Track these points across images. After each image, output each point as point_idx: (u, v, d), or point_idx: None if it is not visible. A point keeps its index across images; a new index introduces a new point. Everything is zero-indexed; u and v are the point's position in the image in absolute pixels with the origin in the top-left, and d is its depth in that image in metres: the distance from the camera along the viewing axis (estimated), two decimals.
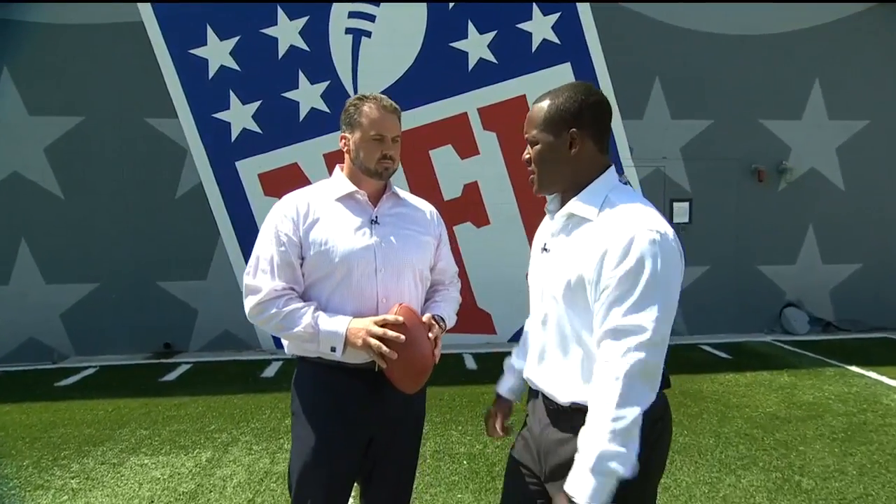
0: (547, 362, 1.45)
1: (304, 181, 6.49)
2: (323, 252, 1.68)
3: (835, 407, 4.36)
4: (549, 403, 1.46)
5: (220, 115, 6.47)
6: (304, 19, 6.46)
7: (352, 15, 6.52)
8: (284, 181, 6.48)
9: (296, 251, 1.69)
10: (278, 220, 1.72)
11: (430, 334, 1.73)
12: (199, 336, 6.49)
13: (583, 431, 1.25)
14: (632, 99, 6.73)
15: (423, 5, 6.53)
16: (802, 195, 6.99)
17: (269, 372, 5.60)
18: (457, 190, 6.68)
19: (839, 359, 5.69)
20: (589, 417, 1.24)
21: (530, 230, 6.68)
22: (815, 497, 3.04)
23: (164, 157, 6.41)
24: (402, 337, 1.58)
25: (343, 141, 1.78)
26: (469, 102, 6.66)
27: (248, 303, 1.70)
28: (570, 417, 1.37)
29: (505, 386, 1.73)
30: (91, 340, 6.32)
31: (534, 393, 1.55)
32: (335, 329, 1.63)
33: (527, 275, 1.61)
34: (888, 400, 4.49)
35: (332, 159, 6.58)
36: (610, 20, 6.66)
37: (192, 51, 6.40)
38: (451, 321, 1.90)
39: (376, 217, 1.77)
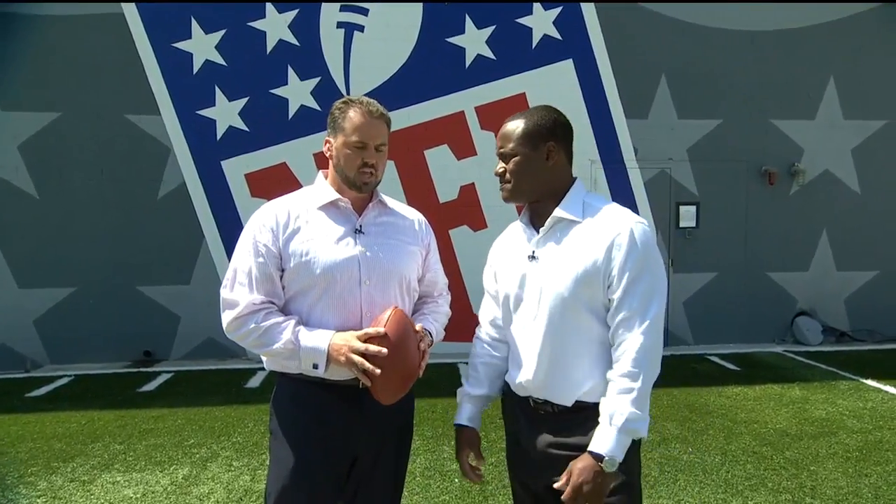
0: (545, 365, 1.55)
1: (292, 182, 6.50)
2: (304, 263, 1.65)
3: (849, 423, 4.30)
4: (545, 407, 1.58)
5: (205, 112, 6.43)
6: (294, 12, 6.43)
7: (343, 8, 6.49)
8: (272, 182, 6.44)
9: (275, 262, 1.67)
10: (256, 230, 1.69)
11: (421, 345, 1.70)
12: (182, 343, 6.43)
13: (607, 399, 1.47)
14: (636, 97, 6.70)
15: None
16: (815, 198, 6.94)
17: (254, 382, 5.54)
18: (453, 192, 6.64)
19: (854, 371, 5.64)
20: (612, 387, 1.47)
21: None
22: None
23: (145, 156, 6.36)
24: (385, 351, 1.54)
25: (327, 146, 1.76)
26: (466, 100, 6.62)
27: (226, 317, 1.67)
28: (572, 418, 1.53)
29: (464, 415, 1.76)
30: (66, 348, 6.26)
31: (519, 403, 1.65)
32: (316, 345, 1.59)
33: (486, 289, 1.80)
34: None
35: (323, 160, 6.49)
36: (614, 15, 6.63)
37: (175, 44, 6.37)
38: (438, 336, 1.88)
39: (361, 226, 1.74)
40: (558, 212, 1.57)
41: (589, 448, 1.44)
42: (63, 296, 6.30)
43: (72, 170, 6.27)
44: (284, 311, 1.71)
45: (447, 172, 6.62)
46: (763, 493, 3.26)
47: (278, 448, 1.70)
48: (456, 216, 6.59)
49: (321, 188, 1.77)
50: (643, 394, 1.45)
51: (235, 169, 6.45)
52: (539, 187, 1.61)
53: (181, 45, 6.39)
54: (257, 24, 6.43)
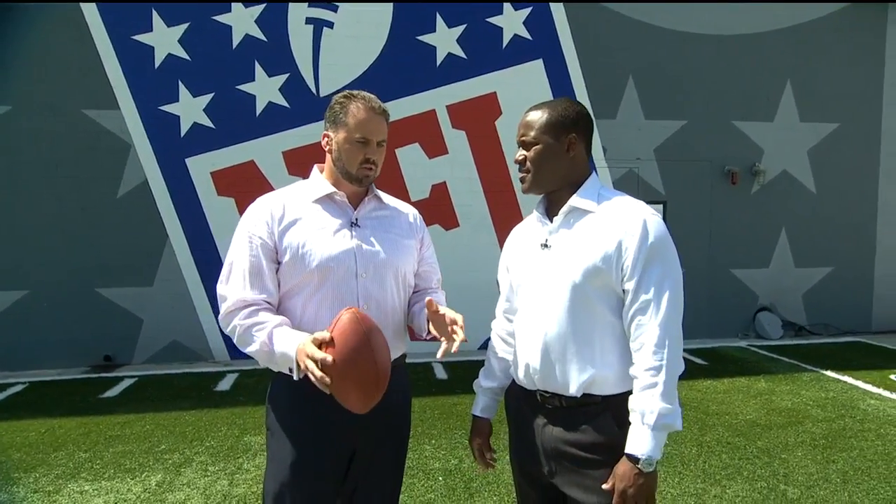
0: (555, 355, 1.56)
1: (261, 180, 6.38)
2: (299, 256, 1.64)
3: (814, 413, 4.48)
4: (553, 401, 1.58)
5: (167, 108, 6.24)
6: (261, 7, 6.31)
7: (312, 4, 6.40)
8: (240, 180, 6.31)
9: (270, 255, 1.65)
10: (251, 223, 1.68)
11: (458, 323, 1.57)
12: (144, 347, 6.22)
13: (634, 398, 1.46)
14: (605, 98, 6.83)
15: None
16: (775, 198, 7.22)
17: (224, 385, 5.40)
18: (424, 191, 6.63)
19: (814, 363, 5.89)
20: (637, 384, 1.46)
21: (501, 233, 6.69)
22: None
23: (104, 152, 6.14)
24: (329, 358, 1.41)
25: (325, 139, 1.75)
26: (437, 99, 6.63)
27: (220, 312, 1.68)
28: (581, 412, 1.54)
29: (479, 406, 1.84)
30: (19, 354, 5.96)
31: (526, 398, 1.66)
32: (286, 350, 1.53)
33: (497, 281, 1.82)
34: (865, 405, 4.65)
35: (292, 157, 6.44)
36: (583, 17, 6.75)
37: (135, 37, 6.16)
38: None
39: (356, 219, 1.74)
40: (574, 200, 1.59)
41: (626, 451, 1.45)
42: (14, 299, 6.01)
43: (24, 167, 5.99)
44: (281, 306, 1.69)
45: (418, 171, 6.61)
46: (739, 482, 3.37)
47: (275, 445, 1.69)
48: (427, 215, 6.42)
49: (316, 182, 1.76)
50: (670, 386, 1.44)
51: (201, 167, 6.28)
52: (557, 178, 1.62)
53: (141, 37, 6.18)
54: (222, 19, 6.28)
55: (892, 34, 7.32)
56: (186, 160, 6.27)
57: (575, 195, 1.60)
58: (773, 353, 6.39)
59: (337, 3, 6.40)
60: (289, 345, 1.54)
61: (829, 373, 5.57)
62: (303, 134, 6.35)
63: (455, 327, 1.57)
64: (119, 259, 6.16)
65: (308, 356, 1.46)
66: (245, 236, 1.67)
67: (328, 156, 1.76)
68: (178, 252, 6.25)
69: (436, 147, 6.67)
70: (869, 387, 5.12)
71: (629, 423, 1.48)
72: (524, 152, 1.64)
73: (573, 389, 1.53)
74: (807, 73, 7.21)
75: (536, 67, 6.80)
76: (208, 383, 5.45)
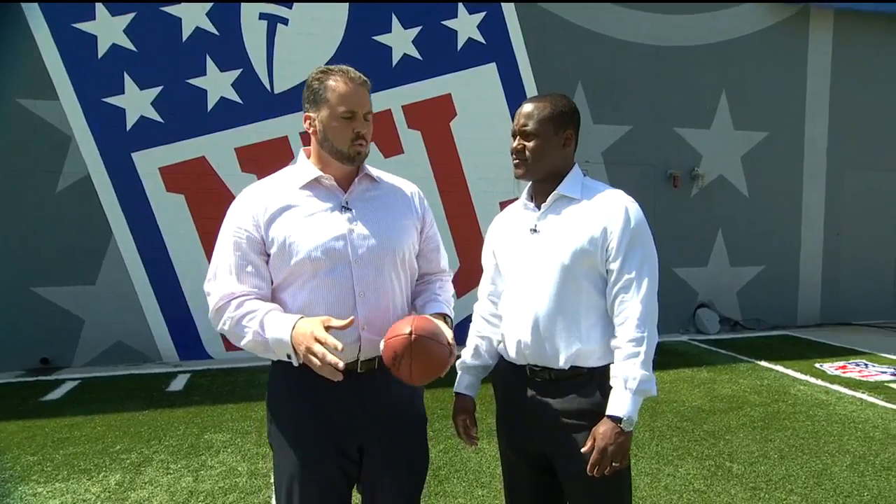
0: (545, 332, 1.67)
1: (212, 177, 6.27)
2: (289, 246, 1.57)
3: (751, 398, 4.84)
4: (543, 374, 1.70)
5: (111, 100, 6.04)
6: (212, 1, 6.19)
7: (266, 0, 6.35)
8: (190, 176, 6.18)
9: (257, 248, 1.60)
10: (236, 216, 1.63)
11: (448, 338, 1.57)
12: (86, 349, 5.97)
13: (617, 365, 1.61)
14: None
15: None
16: (712, 201, 7.70)
17: (177, 385, 5.27)
18: None
19: (749, 355, 6.32)
20: (620, 353, 1.60)
21: (456, 232, 6.83)
22: (745, 480, 3.37)
23: (41, 145, 5.87)
24: (339, 345, 1.39)
25: (308, 121, 1.64)
26: (393, 99, 6.70)
27: (209, 310, 1.63)
28: (569, 383, 1.67)
29: (462, 384, 1.89)
30: None
31: (516, 373, 1.75)
32: (280, 336, 1.48)
33: (482, 266, 1.92)
34: (795, 390, 5.06)
35: (245, 154, 6.35)
36: (534, 23, 7.00)
37: (77, 25, 5.93)
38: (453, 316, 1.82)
39: (347, 202, 1.65)
40: (561, 188, 1.72)
41: (607, 413, 1.58)
42: None
43: None
44: (273, 298, 1.63)
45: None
46: (690, 462, 3.62)
47: (279, 436, 1.64)
48: None
49: (303, 166, 1.68)
50: (649, 356, 1.60)
51: (148, 162, 6.10)
52: (549, 168, 1.73)
53: (83, 26, 5.96)
54: (171, 10, 6.14)
55: (813, 52, 7.96)
56: (133, 155, 6.08)
57: (562, 184, 1.72)
58: (713, 346, 6.81)
59: (292, 1, 6.38)
60: (282, 330, 1.49)
61: (762, 363, 6.01)
62: (256, 130, 6.29)
63: None
64: (58, 257, 5.89)
65: (318, 340, 1.42)
66: (231, 230, 1.61)
67: (313, 138, 1.66)
68: (124, 250, 6.05)
69: (391, 147, 6.74)
70: (798, 374, 5.56)
71: (603, 400, 1.61)
72: (523, 142, 1.72)
73: (562, 362, 1.66)
74: (740, 84, 7.74)
75: (490, 71, 6.99)
76: (159, 384, 5.30)
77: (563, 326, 1.66)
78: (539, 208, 1.75)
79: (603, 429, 1.56)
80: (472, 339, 1.92)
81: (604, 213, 1.66)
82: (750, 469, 3.51)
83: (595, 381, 1.66)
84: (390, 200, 1.73)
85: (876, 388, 5.10)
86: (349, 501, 1.69)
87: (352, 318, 1.49)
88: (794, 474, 3.45)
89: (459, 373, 1.91)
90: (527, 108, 1.73)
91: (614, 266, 1.63)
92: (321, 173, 1.65)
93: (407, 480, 1.71)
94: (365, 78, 1.65)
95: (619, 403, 1.57)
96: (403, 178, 1.86)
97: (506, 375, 1.80)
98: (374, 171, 1.74)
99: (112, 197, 6.03)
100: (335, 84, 1.60)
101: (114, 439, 3.97)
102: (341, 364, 1.39)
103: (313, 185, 1.65)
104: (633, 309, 1.60)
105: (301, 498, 1.59)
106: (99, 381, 5.43)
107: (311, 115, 1.64)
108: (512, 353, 1.75)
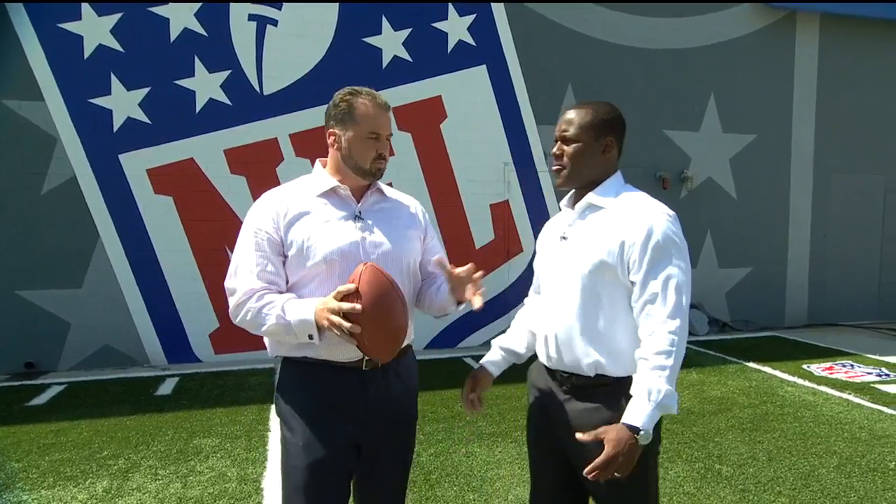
0: (567, 339, 1.70)
1: (201, 179, 6.23)
2: (306, 249, 1.69)
3: (740, 400, 4.88)
4: (571, 380, 1.72)
5: (98, 101, 5.98)
6: (200, 2, 6.15)
7: (255, 0, 6.32)
8: (179, 178, 6.13)
9: (277, 249, 1.71)
10: (257, 218, 1.74)
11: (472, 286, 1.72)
12: (72, 353, 5.90)
13: (642, 376, 1.54)
14: (546, 104, 7.12)
15: None
16: (701, 203, 7.76)
17: (165, 389, 5.22)
18: None
19: (737, 356, 6.37)
20: (646, 364, 1.54)
21: (446, 233, 6.83)
22: (735, 482, 3.40)
23: (26, 146, 5.80)
24: (358, 307, 1.53)
25: (332, 137, 1.78)
26: None
27: (230, 306, 1.72)
28: (596, 392, 1.67)
29: (486, 358, 1.96)
30: None
31: (549, 374, 1.80)
32: (304, 316, 1.61)
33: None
34: (783, 392, 5.10)
35: (234, 156, 6.31)
36: (524, 25, 7.02)
37: (62, 25, 5.87)
38: None
39: (360, 212, 1.79)
40: (590, 197, 1.72)
41: (624, 420, 1.51)
42: None
43: None
44: None
45: None
46: (680, 464, 3.64)
47: (287, 432, 1.74)
48: None
49: (320, 176, 1.82)
50: (675, 372, 1.54)
51: (136, 164, 6.05)
52: (589, 175, 1.73)
53: (69, 26, 5.90)
54: (159, 10, 6.09)
55: (800, 56, 8.05)
56: (120, 156, 6.02)
57: (592, 192, 1.72)
58: (702, 347, 6.86)
59: (282, 2, 6.36)
60: (305, 311, 1.61)
61: (751, 364, 6.06)
62: (246, 132, 6.26)
63: (474, 287, 1.73)
64: (44, 259, 5.82)
65: (333, 311, 1.54)
66: (251, 231, 1.72)
67: (335, 152, 1.80)
68: (111, 252, 5.99)
69: None
70: (786, 376, 5.61)
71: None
72: (563, 147, 1.74)
73: (585, 370, 1.68)
74: (728, 88, 7.81)
75: (480, 73, 7.00)
76: (147, 388, 5.25)
77: (584, 336, 1.67)
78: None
79: (618, 436, 1.49)
80: (514, 325, 2.00)
81: (626, 224, 1.62)
82: (739, 471, 3.54)
83: (622, 391, 1.63)
84: (398, 213, 1.89)
85: (862, 388, 5.16)
86: (348, 492, 1.79)
87: (356, 284, 1.57)
88: (783, 476, 3.48)
89: (491, 348, 1.98)
90: (569, 114, 1.75)
91: (637, 278, 1.60)
92: (338, 183, 1.78)
93: (400, 474, 1.86)
94: (388, 103, 1.81)
95: (639, 414, 1.50)
96: (405, 194, 2.01)
97: (541, 374, 1.85)
98: (382, 186, 1.90)
99: (99, 199, 5.97)
100: (364, 107, 1.74)
101: (101, 445, 3.93)
102: (357, 329, 1.52)
103: (329, 194, 1.79)
104: (661, 322, 1.55)
105: (308, 488, 1.68)
106: (86, 386, 5.37)
107: (336, 131, 1.77)
108: (542, 357, 1.82)
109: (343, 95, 1.77)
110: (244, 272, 1.70)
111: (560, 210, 1.86)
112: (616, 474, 1.49)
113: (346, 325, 1.52)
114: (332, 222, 1.74)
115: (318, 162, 1.87)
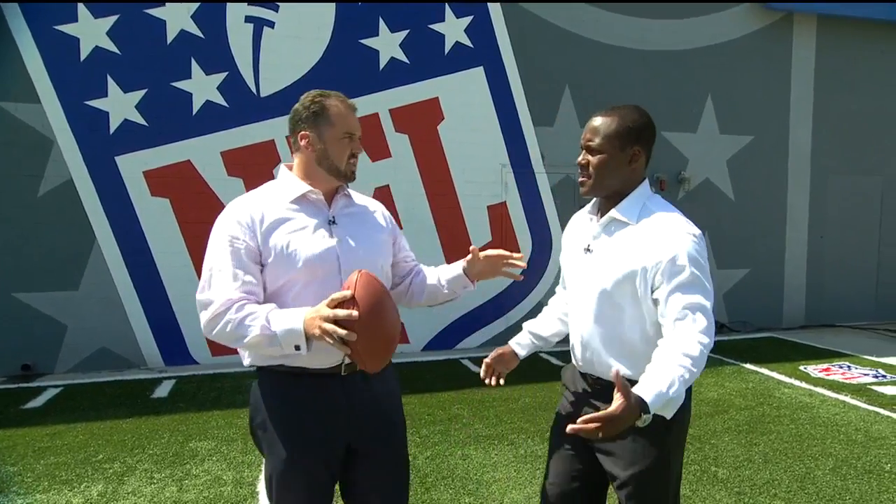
0: (593, 348, 1.75)
1: (198, 181, 6.22)
2: (285, 257, 1.67)
3: (736, 402, 4.88)
4: (596, 383, 1.78)
5: (94, 103, 5.97)
6: (197, 3, 6.16)
7: (252, 2, 6.32)
8: (175, 180, 6.12)
9: (254, 257, 1.67)
10: (230, 227, 1.68)
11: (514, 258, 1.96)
12: (69, 355, 5.90)
13: (668, 365, 1.49)
14: (543, 106, 7.12)
15: None
16: (699, 204, 7.75)
17: (161, 392, 5.22)
18: (367, 194, 6.42)
19: (735, 357, 6.38)
20: (675, 360, 1.49)
21: (444, 235, 6.84)
22: (730, 485, 3.40)
23: (22, 149, 5.79)
24: (355, 313, 1.50)
25: (305, 140, 1.75)
26: (380, 103, 6.69)
27: (202, 319, 1.66)
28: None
29: (516, 340, 2.05)
30: None
31: (578, 378, 1.86)
32: (291, 326, 1.57)
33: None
34: (779, 393, 5.11)
35: (231, 158, 6.31)
36: (521, 27, 7.02)
37: (59, 27, 5.86)
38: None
39: (333, 217, 1.77)
40: (614, 213, 1.70)
41: (643, 396, 1.42)
42: None
43: None
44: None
45: (361, 174, 6.48)
46: None
47: (269, 441, 1.71)
48: None
49: (290, 182, 1.78)
50: (692, 381, 1.51)
51: (132, 166, 6.04)
52: (614, 186, 1.71)
53: (65, 28, 5.89)
54: (155, 12, 6.09)
55: (797, 57, 8.06)
56: (116, 158, 6.01)
57: (618, 206, 1.70)
58: None
59: (278, 3, 6.36)
60: (293, 320, 1.57)
61: (748, 365, 6.06)
62: (242, 134, 6.25)
63: (508, 261, 1.92)
64: (40, 262, 5.81)
65: (327, 318, 1.50)
66: (225, 240, 1.67)
67: (308, 154, 1.76)
68: (108, 254, 5.98)
69: (379, 150, 6.73)
70: (782, 377, 5.62)
71: None
72: (588, 157, 1.72)
73: (609, 376, 1.62)
74: (725, 89, 7.81)
75: (477, 74, 7.00)
76: (143, 390, 5.25)
77: (607, 346, 1.71)
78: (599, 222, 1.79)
79: (628, 408, 1.36)
80: (545, 312, 2.08)
81: (652, 245, 1.61)
82: (735, 473, 3.54)
83: None
84: (367, 217, 1.90)
85: (858, 390, 5.17)
86: (332, 496, 1.78)
87: (352, 291, 1.55)
88: (778, 478, 3.48)
89: (521, 331, 2.08)
90: (595, 122, 1.72)
91: (661, 296, 1.59)
92: (310, 188, 1.76)
93: (399, 476, 1.84)
94: (355, 104, 1.84)
95: (655, 398, 1.41)
96: (368, 197, 2.04)
97: (574, 375, 1.89)
98: (348, 189, 1.90)
99: (95, 201, 5.97)
100: (335, 108, 1.75)
101: (96, 448, 3.93)
102: (353, 336, 1.50)
103: (301, 200, 1.76)
104: (693, 333, 1.53)
105: (288, 495, 1.69)
106: (82, 388, 5.37)
107: (308, 133, 1.75)
108: (574, 359, 1.88)
109: (313, 97, 1.76)
110: (220, 283, 1.64)
111: (582, 211, 1.89)
112: (599, 434, 1.38)
113: (342, 332, 1.48)
114: (308, 228, 1.72)
115: (282, 167, 1.83)
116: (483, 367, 1.99)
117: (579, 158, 1.75)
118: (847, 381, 5.44)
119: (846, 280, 8.44)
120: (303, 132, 1.75)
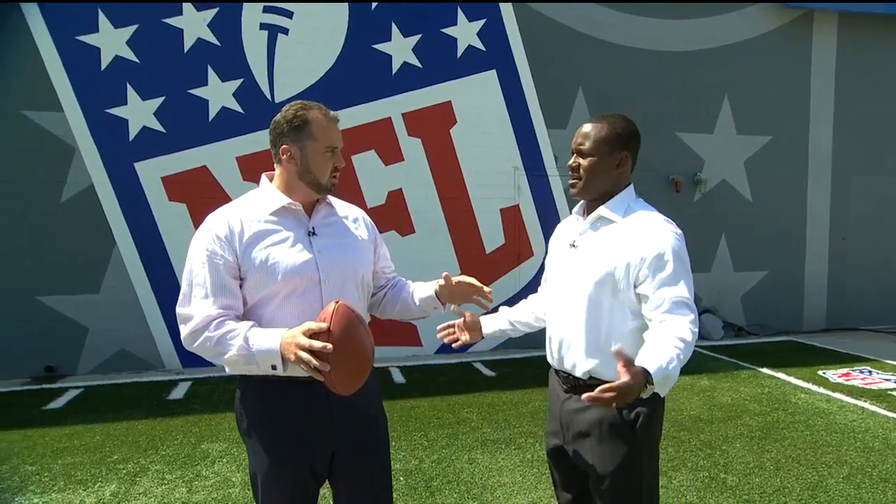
0: (568, 343, 1.80)
1: (214, 186, 6.32)
2: (265, 270, 1.67)
3: (751, 407, 4.80)
4: (569, 379, 1.84)
5: (115, 111, 6.11)
6: (213, 11, 6.26)
7: (267, 10, 6.41)
8: (192, 185, 6.23)
9: (233, 272, 1.67)
10: (209, 240, 1.68)
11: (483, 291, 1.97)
12: (90, 357, 6.04)
13: (666, 344, 1.55)
14: (556, 108, 7.09)
15: (345, 4, 6.54)
16: (715, 205, 7.65)
17: (177, 393, 5.31)
18: (381, 197, 6.71)
19: (751, 361, 6.27)
20: (670, 341, 1.56)
21: (456, 238, 6.84)
22: (739, 493, 3.34)
23: (46, 156, 5.95)
24: (330, 347, 1.51)
25: (286, 154, 1.73)
26: (393, 107, 6.73)
27: (182, 332, 1.68)
28: (588, 390, 1.59)
29: (487, 317, 2.16)
30: None
31: (556, 372, 1.93)
32: (269, 346, 1.59)
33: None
34: (796, 399, 5.01)
35: (246, 163, 6.40)
36: (533, 30, 6.99)
37: (80, 38, 6.02)
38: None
39: (313, 228, 1.77)
40: (601, 210, 1.80)
41: (647, 367, 1.47)
42: None
43: None
44: (246, 317, 1.72)
45: (375, 178, 6.69)
46: (684, 472, 3.60)
47: (255, 447, 1.74)
48: (384, 221, 6.64)
49: (269, 193, 1.77)
50: (682, 364, 1.56)
51: (151, 171, 6.17)
52: (602, 187, 1.81)
53: (87, 38, 6.04)
54: (173, 22, 6.21)
55: (817, 55, 7.90)
56: (135, 165, 6.15)
57: (604, 206, 1.80)
58: (715, 352, 6.76)
59: (292, 10, 6.44)
60: (270, 340, 1.59)
61: (764, 370, 5.96)
62: (258, 140, 6.33)
63: (479, 293, 1.96)
64: (63, 266, 5.97)
65: (303, 347, 1.53)
66: (203, 254, 1.67)
67: (289, 167, 1.75)
68: (127, 258, 6.12)
69: (392, 154, 6.77)
70: (800, 382, 5.51)
71: (628, 406, 1.65)
72: (579, 160, 1.82)
73: (579, 373, 1.79)
74: (742, 89, 7.68)
75: (490, 78, 6.99)
76: (160, 392, 5.35)
77: (585, 341, 1.76)
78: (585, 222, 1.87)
79: (636, 378, 1.43)
80: (522, 304, 2.18)
81: (636, 240, 1.70)
82: (744, 481, 3.49)
83: None
84: (348, 225, 1.89)
85: (879, 396, 5.04)
86: (317, 499, 1.81)
87: (328, 324, 1.57)
88: (789, 486, 3.42)
89: (499, 310, 2.20)
90: (585, 127, 1.83)
91: (647, 291, 1.66)
92: (290, 200, 1.75)
93: (381, 478, 1.86)
94: (337, 116, 1.81)
95: (653, 363, 1.48)
96: (349, 203, 1.99)
97: (551, 373, 1.99)
98: (329, 197, 1.87)
99: (115, 206, 6.10)
100: (318, 121, 1.72)
101: (112, 449, 4.01)
102: (327, 367, 1.52)
103: (281, 212, 1.75)
104: (683, 322, 1.60)
105: (273, 496, 1.72)
106: (102, 389, 5.49)
107: (290, 147, 1.73)
108: (548, 356, 1.94)
109: (295, 110, 1.73)
110: (199, 298, 1.65)
111: (571, 214, 1.95)
112: (614, 405, 1.45)
113: (315, 362, 1.51)
114: (288, 241, 1.71)
115: (264, 178, 1.83)
116: (446, 325, 2.15)
117: (570, 161, 1.84)
118: (867, 387, 5.31)
119: (870, 282, 8.23)
120: (284, 145, 1.73)
